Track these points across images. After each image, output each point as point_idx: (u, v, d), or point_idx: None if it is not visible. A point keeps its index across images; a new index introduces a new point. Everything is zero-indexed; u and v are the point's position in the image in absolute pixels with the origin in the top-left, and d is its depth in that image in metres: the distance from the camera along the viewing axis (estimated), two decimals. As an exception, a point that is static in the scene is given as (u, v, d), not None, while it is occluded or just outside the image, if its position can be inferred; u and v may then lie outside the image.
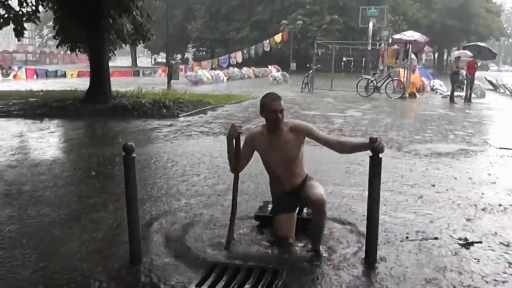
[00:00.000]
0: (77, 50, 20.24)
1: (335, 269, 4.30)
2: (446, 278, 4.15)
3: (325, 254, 4.59)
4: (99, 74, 17.04)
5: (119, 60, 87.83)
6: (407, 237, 5.05)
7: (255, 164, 5.07)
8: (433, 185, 7.14)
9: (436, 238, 5.03)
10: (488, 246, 4.87)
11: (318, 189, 4.70)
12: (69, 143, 10.86)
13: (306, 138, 4.78)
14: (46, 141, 10.84)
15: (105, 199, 6.35)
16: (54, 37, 20.66)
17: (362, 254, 4.48)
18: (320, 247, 4.68)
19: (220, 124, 13.12)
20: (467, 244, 4.89)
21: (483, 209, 6.08)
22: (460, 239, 5.04)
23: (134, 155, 4.29)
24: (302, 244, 4.80)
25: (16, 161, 8.70)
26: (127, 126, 13.13)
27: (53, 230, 5.25)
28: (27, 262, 4.41)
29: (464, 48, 29.80)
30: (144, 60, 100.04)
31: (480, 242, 4.96)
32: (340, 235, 5.07)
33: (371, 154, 4.23)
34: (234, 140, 4.64)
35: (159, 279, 4.09)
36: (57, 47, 21.90)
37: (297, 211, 5.05)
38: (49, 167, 8.28)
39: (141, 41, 21.29)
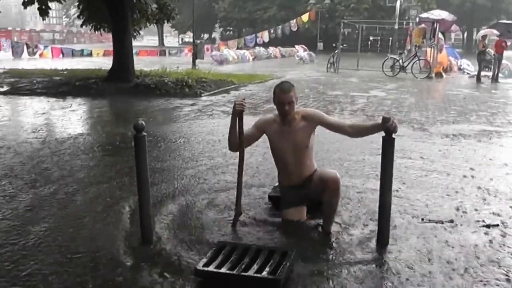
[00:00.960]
0: (101, 29, 20.29)
1: (346, 251, 4.23)
2: (456, 261, 4.08)
3: (336, 236, 4.52)
4: (122, 53, 17.04)
5: (146, 40, 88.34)
6: (422, 219, 4.95)
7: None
8: (453, 167, 6.98)
9: (451, 221, 4.92)
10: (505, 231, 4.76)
11: (332, 171, 4.65)
12: (90, 121, 10.93)
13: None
14: (68, 119, 10.93)
15: (122, 176, 6.34)
16: (78, 17, 20.78)
17: (374, 236, 4.40)
18: (332, 227, 4.62)
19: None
20: (486, 227, 4.78)
21: (503, 193, 5.93)
22: (477, 221, 4.92)
23: (145, 134, 4.23)
24: (314, 224, 4.74)
25: (36, 138, 8.77)
26: (149, 105, 13.13)
27: (66, 209, 5.27)
28: (41, 241, 4.43)
29: (491, 27, 29.06)
30: (172, 39, 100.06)
31: (497, 225, 4.84)
32: (353, 216, 5.00)
33: (384, 134, 4.13)
34: (237, 117, 4.60)
35: (167, 259, 4.06)
36: (81, 26, 21.93)
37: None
38: (70, 144, 8.35)
39: (165, 21, 21.19)
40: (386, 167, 4.16)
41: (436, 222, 4.89)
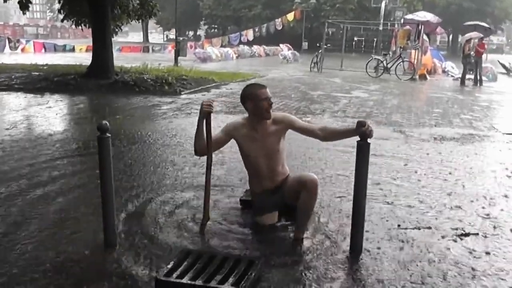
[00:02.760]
0: (82, 24, 19.96)
1: (317, 259, 4.05)
2: (428, 269, 3.92)
3: (307, 244, 4.33)
4: (102, 49, 16.72)
5: (131, 36, 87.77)
6: (398, 225, 4.79)
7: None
8: (434, 172, 6.82)
9: (429, 228, 4.76)
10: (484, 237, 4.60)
11: (310, 173, 4.48)
12: (66, 118, 10.66)
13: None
14: (43, 116, 10.65)
15: (89, 176, 6.11)
16: (58, 11, 20.41)
17: (348, 243, 4.23)
18: (304, 234, 4.44)
19: (221, 102, 12.86)
20: (462, 235, 4.62)
21: (484, 198, 5.79)
22: (455, 229, 4.76)
23: (109, 135, 4.04)
24: (285, 229, 4.58)
25: (9, 135, 8.51)
26: (127, 102, 12.89)
27: (28, 209, 5.04)
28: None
29: (470, 29, 28.90)
30: (157, 36, 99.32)
31: (477, 234, 4.68)
32: (325, 224, 4.81)
33: (358, 139, 3.95)
34: (204, 119, 4.40)
35: (129, 266, 3.87)
36: (61, 21, 21.56)
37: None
38: (42, 142, 8.12)
39: (147, 17, 20.90)
40: (360, 172, 3.99)
41: (413, 229, 4.72)
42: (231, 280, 3.47)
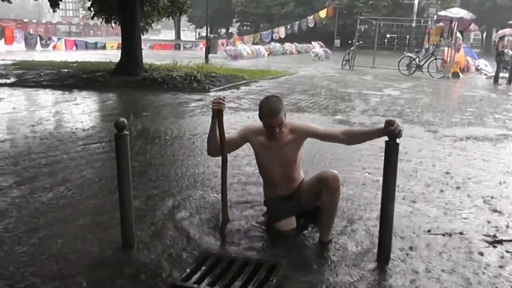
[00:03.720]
0: (112, 21, 20.00)
1: (343, 265, 3.85)
2: (463, 277, 3.69)
3: (333, 248, 4.13)
4: (130, 46, 16.72)
5: (163, 34, 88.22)
6: (429, 231, 4.56)
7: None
8: (468, 176, 6.50)
9: (461, 234, 4.51)
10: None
11: (327, 169, 4.28)
12: (92, 115, 10.56)
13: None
14: (69, 112, 10.61)
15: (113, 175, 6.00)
16: (88, 9, 20.47)
17: (375, 249, 4.02)
18: (330, 238, 4.24)
19: (250, 100, 12.68)
20: (495, 242, 4.37)
21: None
22: (487, 235, 4.51)
23: (127, 133, 3.89)
24: (307, 233, 4.39)
25: (34, 132, 8.46)
26: (155, 100, 12.81)
27: (52, 211, 4.92)
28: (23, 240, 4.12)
29: (503, 27, 28.20)
30: (189, 34, 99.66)
31: (511, 240, 4.43)
32: (352, 229, 4.59)
33: (387, 139, 3.74)
34: (216, 118, 4.20)
35: (147, 269, 3.72)
36: (91, 18, 21.59)
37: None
38: (67, 138, 8.10)
39: (177, 14, 20.89)
40: (389, 174, 3.78)
41: (444, 235, 4.49)
42: (250, 286, 3.29)
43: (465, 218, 4.92)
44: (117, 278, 3.59)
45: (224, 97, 4.26)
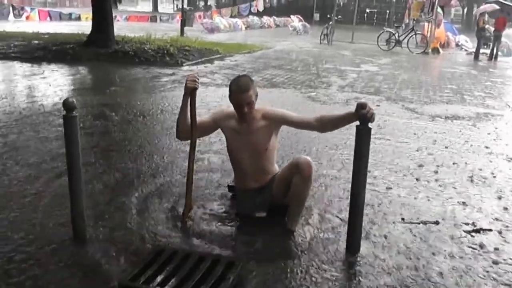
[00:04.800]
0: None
1: (310, 256, 3.57)
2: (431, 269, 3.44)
3: (299, 238, 3.85)
4: (101, 17, 16.12)
5: (141, 6, 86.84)
6: (402, 219, 4.29)
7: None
8: (443, 154, 6.28)
9: (436, 223, 4.25)
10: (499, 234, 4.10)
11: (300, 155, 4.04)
12: (59, 89, 10.09)
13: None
14: (35, 87, 10.17)
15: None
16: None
17: (344, 239, 3.75)
18: (296, 226, 3.98)
19: (224, 75, 12.30)
20: (474, 231, 4.12)
21: (497, 187, 5.27)
22: (466, 224, 4.26)
23: (76, 114, 3.55)
24: (275, 223, 4.07)
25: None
26: (125, 73, 12.37)
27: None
28: None
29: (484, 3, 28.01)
30: (167, 6, 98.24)
31: (490, 230, 4.17)
32: (322, 217, 4.29)
33: (358, 123, 3.44)
34: (188, 96, 3.92)
35: (98, 262, 3.42)
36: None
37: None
38: (29, 114, 7.67)
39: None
40: (360, 161, 3.48)
41: (419, 223, 4.22)
42: (204, 286, 2.99)
43: (442, 205, 4.65)
44: (63, 275, 3.27)
45: (197, 74, 3.97)
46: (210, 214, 4.24)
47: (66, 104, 3.53)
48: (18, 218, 4.04)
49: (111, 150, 6.06)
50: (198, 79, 3.93)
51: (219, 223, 4.07)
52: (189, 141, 4.08)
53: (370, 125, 3.41)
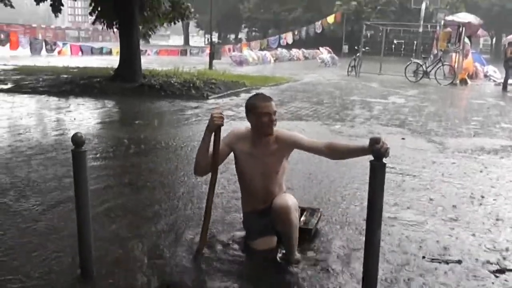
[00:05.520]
0: (113, 27, 19.67)
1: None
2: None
3: (302, 274, 3.72)
4: (129, 51, 16.38)
5: (172, 40, 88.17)
6: (423, 257, 4.13)
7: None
8: (472, 193, 6.03)
9: (459, 262, 4.08)
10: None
11: (285, 196, 3.92)
12: (84, 123, 10.17)
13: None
14: (61, 120, 10.29)
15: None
16: (90, 14, 20.19)
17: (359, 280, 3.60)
18: (296, 256, 3.97)
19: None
20: (498, 272, 3.94)
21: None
22: (490, 263, 4.08)
23: (85, 149, 3.50)
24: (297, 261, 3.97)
25: (21, 141, 8.11)
26: (151, 107, 12.46)
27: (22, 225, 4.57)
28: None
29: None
30: (198, 39, 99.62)
31: (515, 269, 3.99)
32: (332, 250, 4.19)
33: (372, 158, 3.32)
34: (213, 134, 3.82)
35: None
36: (92, 23, 21.32)
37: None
38: (51, 149, 7.68)
39: (179, 19, 20.50)
40: (374, 198, 3.33)
41: (440, 262, 4.06)
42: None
43: (465, 243, 4.47)
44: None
45: (221, 112, 3.89)
46: (222, 247, 4.17)
47: (75, 139, 3.49)
48: (28, 255, 3.99)
49: (131, 184, 6.00)
50: (223, 116, 3.86)
51: (229, 258, 3.99)
52: (203, 176, 4.03)
53: (385, 159, 3.30)
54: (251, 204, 4.15)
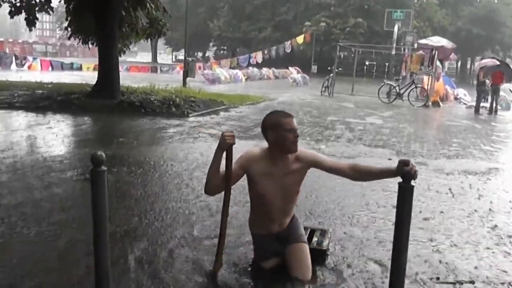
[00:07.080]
0: (89, 42, 19.53)
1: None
2: None
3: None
4: (108, 68, 16.15)
5: (140, 56, 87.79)
6: (437, 278, 4.13)
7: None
8: (468, 215, 6.10)
9: (472, 282, 4.09)
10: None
11: (305, 261, 3.96)
12: (65, 140, 10.02)
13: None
14: (42, 137, 10.06)
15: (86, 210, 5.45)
16: (66, 28, 20.01)
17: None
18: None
19: (231, 126, 12.27)
20: None
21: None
22: (502, 283, 4.10)
23: (105, 168, 3.38)
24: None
25: (4, 158, 7.92)
26: (132, 124, 12.30)
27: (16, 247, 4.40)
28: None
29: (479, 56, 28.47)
30: (165, 57, 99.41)
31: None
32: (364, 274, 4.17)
33: (400, 180, 3.31)
34: (225, 153, 3.73)
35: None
36: (68, 38, 21.11)
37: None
38: (37, 166, 7.49)
39: (156, 36, 20.47)
40: (403, 220, 3.32)
41: (454, 283, 4.07)
42: None
43: (477, 264, 4.50)
44: None
45: (232, 132, 3.78)
46: (237, 269, 4.12)
47: (95, 157, 3.37)
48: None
49: (125, 204, 5.90)
50: (234, 135, 3.78)
51: (246, 279, 3.96)
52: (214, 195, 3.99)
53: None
54: (265, 227, 4.05)
